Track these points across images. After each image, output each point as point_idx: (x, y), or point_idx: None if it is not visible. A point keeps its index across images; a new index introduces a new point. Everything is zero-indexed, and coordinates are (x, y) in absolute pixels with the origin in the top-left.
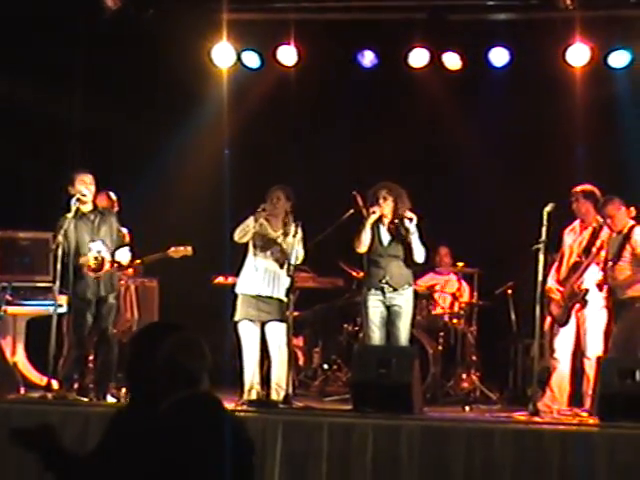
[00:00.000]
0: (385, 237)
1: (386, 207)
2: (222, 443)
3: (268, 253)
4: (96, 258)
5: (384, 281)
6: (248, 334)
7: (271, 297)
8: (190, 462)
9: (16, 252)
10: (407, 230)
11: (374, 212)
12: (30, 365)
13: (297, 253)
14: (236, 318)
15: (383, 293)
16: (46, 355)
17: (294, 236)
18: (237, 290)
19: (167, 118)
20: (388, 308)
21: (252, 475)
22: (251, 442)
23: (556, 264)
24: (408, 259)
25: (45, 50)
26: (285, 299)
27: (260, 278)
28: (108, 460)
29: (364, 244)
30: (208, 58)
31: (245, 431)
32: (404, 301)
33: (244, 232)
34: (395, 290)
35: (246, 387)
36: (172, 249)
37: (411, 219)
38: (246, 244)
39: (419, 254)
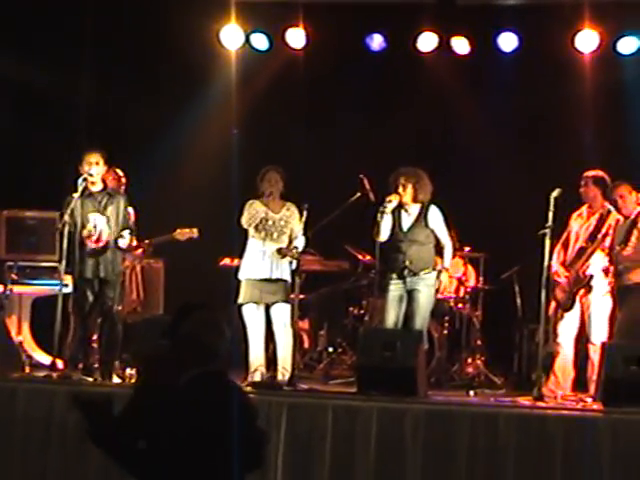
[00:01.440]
0: (405, 222)
1: (405, 195)
2: (232, 419)
3: (275, 235)
4: (90, 231)
5: (404, 266)
6: (252, 316)
7: (277, 279)
8: (203, 434)
9: (22, 231)
10: None
11: (390, 201)
12: (35, 344)
13: (301, 242)
14: (240, 301)
15: (404, 278)
16: (51, 334)
17: (300, 221)
18: (240, 276)
19: (175, 100)
20: (409, 293)
21: (261, 454)
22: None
23: (559, 246)
24: (434, 243)
25: (53, 30)
26: (289, 279)
27: (265, 262)
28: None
29: (382, 234)
30: (216, 40)
31: (254, 413)
32: (424, 286)
33: (254, 218)
34: (415, 275)
35: (251, 369)
36: (178, 231)
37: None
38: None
39: (447, 245)
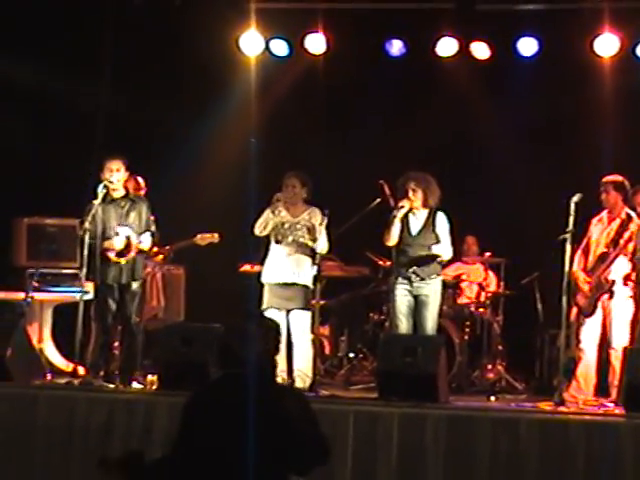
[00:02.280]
0: (414, 227)
1: (416, 200)
2: (249, 421)
3: (290, 239)
4: (124, 243)
5: (411, 270)
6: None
7: (295, 284)
8: (220, 434)
9: (43, 238)
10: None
11: (403, 206)
12: (57, 351)
13: (322, 244)
14: (263, 307)
15: (410, 282)
16: (72, 341)
17: (320, 224)
18: (262, 280)
19: (195, 106)
20: (415, 297)
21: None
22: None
23: (579, 252)
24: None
25: (73, 37)
26: (311, 285)
27: (283, 266)
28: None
29: (393, 238)
30: (236, 46)
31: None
32: (431, 291)
33: (263, 226)
34: (422, 279)
35: None
36: (199, 236)
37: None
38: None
39: (445, 251)
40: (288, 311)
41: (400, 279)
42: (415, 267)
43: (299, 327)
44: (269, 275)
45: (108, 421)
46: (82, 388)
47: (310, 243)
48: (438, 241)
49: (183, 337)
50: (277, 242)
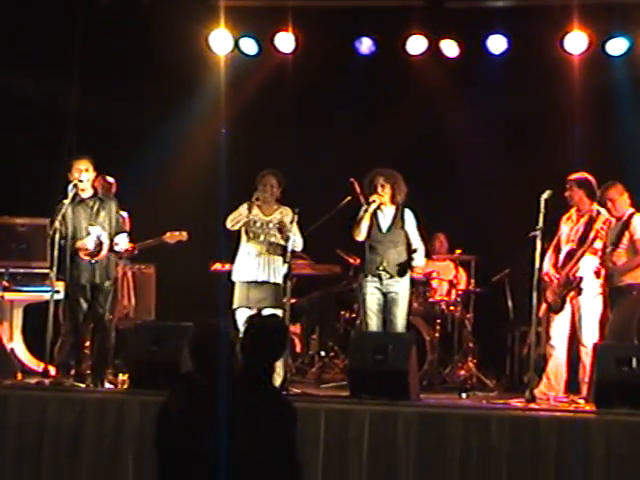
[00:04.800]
0: (384, 224)
1: (384, 195)
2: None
3: (262, 238)
4: (96, 243)
5: (381, 268)
6: (244, 321)
7: (267, 282)
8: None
9: (13, 238)
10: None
11: (374, 201)
12: (27, 351)
13: (295, 241)
14: (234, 306)
15: (380, 280)
16: (43, 341)
17: (291, 222)
18: (233, 278)
19: (164, 104)
20: (385, 295)
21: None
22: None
23: (551, 249)
24: (407, 246)
25: (42, 36)
26: (281, 283)
27: (254, 264)
28: None
29: (363, 233)
30: (205, 44)
31: None
32: (401, 288)
33: (237, 220)
34: (392, 277)
35: None
36: (167, 234)
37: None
38: (239, 231)
39: (421, 256)
40: (259, 310)
41: (370, 277)
42: (384, 264)
43: None
44: (240, 273)
45: (79, 421)
46: (53, 388)
47: (282, 242)
48: (408, 240)
49: (154, 336)
50: (248, 240)
